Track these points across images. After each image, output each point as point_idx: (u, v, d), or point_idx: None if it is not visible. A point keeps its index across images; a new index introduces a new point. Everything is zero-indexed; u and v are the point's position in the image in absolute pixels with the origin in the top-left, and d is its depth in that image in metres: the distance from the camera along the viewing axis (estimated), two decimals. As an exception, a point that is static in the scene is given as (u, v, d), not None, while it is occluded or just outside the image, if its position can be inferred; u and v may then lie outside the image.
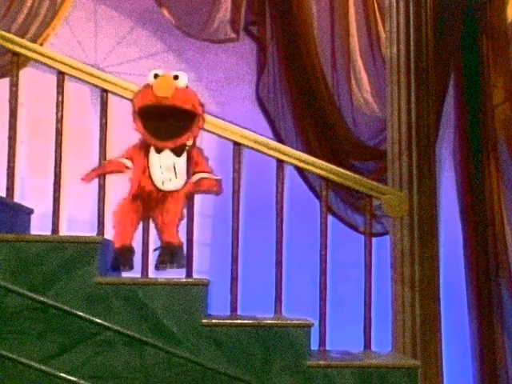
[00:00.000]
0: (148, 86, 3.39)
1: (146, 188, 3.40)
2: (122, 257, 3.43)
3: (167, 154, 3.39)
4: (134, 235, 3.46)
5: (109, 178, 3.67)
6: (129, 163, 3.42)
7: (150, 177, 3.38)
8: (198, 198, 3.71)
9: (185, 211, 3.52)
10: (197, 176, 3.43)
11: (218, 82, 5.83)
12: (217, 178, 3.45)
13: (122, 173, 3.45)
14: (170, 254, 3.42)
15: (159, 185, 3.38)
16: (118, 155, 3.51)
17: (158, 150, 3.39)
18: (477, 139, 5.72)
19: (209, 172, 3.46)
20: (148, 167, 3.39)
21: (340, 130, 5.75)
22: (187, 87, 3.41)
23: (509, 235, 5.62)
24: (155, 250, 3.47)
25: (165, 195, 3.41)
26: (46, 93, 4.10)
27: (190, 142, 3.43)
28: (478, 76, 5.74)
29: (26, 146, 4.64)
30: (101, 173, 3.54)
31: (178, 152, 3.39)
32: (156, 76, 3.37)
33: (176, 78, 3.38)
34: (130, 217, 3.45)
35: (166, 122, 3.37)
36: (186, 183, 3.42)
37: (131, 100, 3.48)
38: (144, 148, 3.43)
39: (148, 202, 3.43)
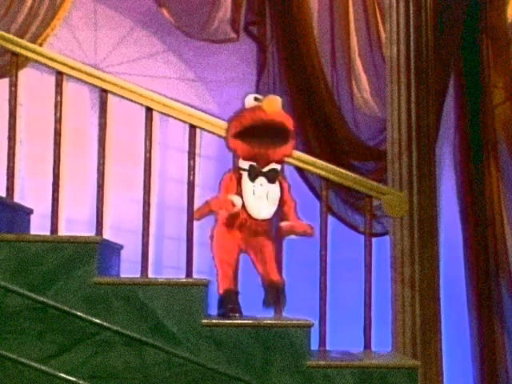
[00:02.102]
0: (254, 107, 3.40)
1: (240, 216, 3.39)
2: (230, 303, 3.42)
3: (261, 182, 3.39)
4: (236, 277, 3.45)
5: (108, 177, 3.68)
6: (238, 200, 3.37)
7: (243, 205, 3.38)
8: (197, 198, 3.71)
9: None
10: (286, 223, 3.44)
11: (218, 82, 5.83)
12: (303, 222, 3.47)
13: (228, 211, 3.40)
14: (276, 293, 3.42)
15: (254, 214, 3.39)
16: (221, 192, 3.44)
17: (252, 179, 3.39)
18: (477, 139, 5.72)
19: (295, 215, 3.46)
20: (241, 195, 3.39)
21: (340, 130, 5.75)
22: None
23: (509, 235, 5.62)
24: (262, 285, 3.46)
25: (258, 224, 3.41)
26: (45, 93, 4.09)
27: (279, 167, 3.43)
28: (478, 76, 5.74)
29: (26, 146, 4.63)
30: (208, 212, 3.46)
31: (271, 179, 3.39)
32: (257, 99, 3.40)
33: None
34: (231, 252, 3.43)
35: (263, 143, 3.38)
36: (278, 227, 3.42)
37: (229, 124, 3.47)
38: (236, 177, 3.42)
39: (242, 230, 3.42)
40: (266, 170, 3.39)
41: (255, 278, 3.52)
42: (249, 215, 3.39)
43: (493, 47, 5.71)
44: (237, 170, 3.44)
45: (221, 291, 3.43)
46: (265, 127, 3.36)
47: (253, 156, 3.38)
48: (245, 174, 3.41)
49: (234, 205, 3.37)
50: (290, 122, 3.43)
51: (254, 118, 3.38)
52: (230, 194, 3.40)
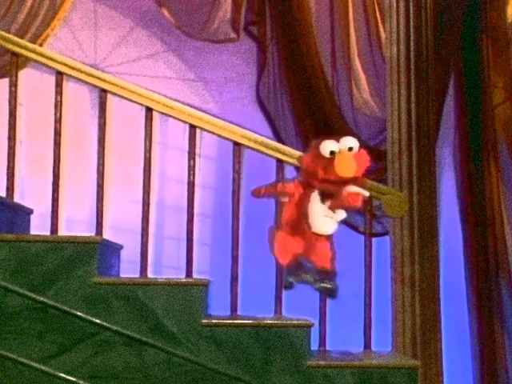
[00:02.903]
0: (325, 162, 3.30)
1: (301, 228, 3.37)
2: (295, 269, 3.32)
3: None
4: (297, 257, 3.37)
5: (108, 177, 3.68)
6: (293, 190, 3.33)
7: (307, 219, 3.36)
8: (197, 198, 3.72)
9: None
10: (346, 189, 3.40)
11: (217, 82, 5.83)
12: (362, 192, 3.41)
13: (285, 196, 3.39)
14: (325, 275, 3.38)
15: (317, 230, 3.36)
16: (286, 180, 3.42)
17: (322, 200, 3.36)
18: (477, 139, 5.72)
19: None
20: (307, 210, 3.36)
21: (340, 130, 5.74)
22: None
23: (509, 235, 5.62)
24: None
25: (319, 238, 3.38)
26: (45, 93, 4.10)
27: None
28: (478, 76, 5.74)
29: (26, 146, 4.64)
30: (271, 192, 3.36)
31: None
32: (332, 153, 3.33)
33: (350, 149, 3.35)
34: (293, 245, 3.41)
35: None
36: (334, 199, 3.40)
37: (301, 158, 3.42)
38: (307, 189, 3.39)
39: (303, 236, 3.39)
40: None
41: (255, 278, 3.52)
42: (309, 228, 3.35)
43: (493, 47, 5.71)
44: (306, 183, 3.38)
45: (285, 264, 3.30)
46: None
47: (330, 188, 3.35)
48: (315, 194, 3.37)
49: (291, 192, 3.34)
50: (364, 166, 3.27)
51: (325, 176, 3.31)
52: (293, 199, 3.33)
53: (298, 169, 3.53)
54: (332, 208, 3.35)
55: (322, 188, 3.34)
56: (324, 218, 3.31)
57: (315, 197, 3.34)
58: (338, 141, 3.29)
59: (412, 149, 5.21)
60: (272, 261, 3.71)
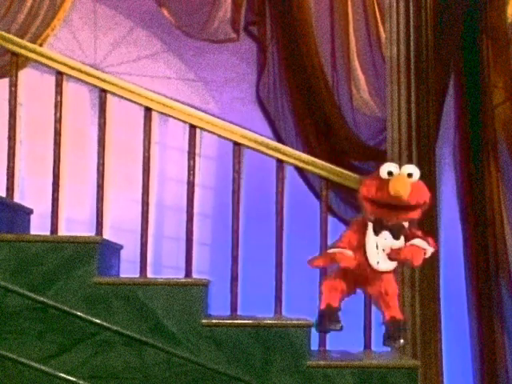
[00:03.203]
0: (382, 182, 3.26)
1: (360, 265, 3.35)
2: (329, 315, 3.31)
3: (385, 236, 3.31)
4: (341, 300, 3.36)
5: (107, 177, 3.68)
6: (353, 257, 3.29)
7: (365, 255, 3.34)
8: (197, 198, 3.72)
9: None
10: (409, 242, 3.38)
11: (217, 82, 5.83)
12: (425, 246, 3.36)
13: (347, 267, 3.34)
14: (398, 330, 3.35)
15: (374, 264, 3.34)
16: (340, 242, 3.35)
17: (376, 232, 3.34)
18: (477, 139, 5.72)
19: (421, 237, 3.35)
20: (364, 246, 3.35)
21: (340, 130, 5.75)
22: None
23: (509, 235, 5.62)
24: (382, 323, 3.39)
25: (377, 273, 3.34)
26: (45, 93, 4.10)
27: (406, 224, 3.35)
28: (478, 76, 5.74)
29: (26, 146, 4.64)
30: (328, 263, 3.34)
31: (396, 234, 3.31)
32: (390, 173, 3.30)
33: (410, 176, 3.32)
34: (340, 285, 3.36)
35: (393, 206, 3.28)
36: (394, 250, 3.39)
37: (362, 184, 3.35)
38: (362, 228, 3.34)
39: (360, 276, 3.35)
40: (391, 224, 3.31)
41: (255, 278, 3.53)
42: (369, 264, 3.35)
43: (493, 47, 5.71)
44: (364, 218, 3.36)
45: (322, 307, 3.32)
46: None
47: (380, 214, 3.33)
48: (370, 226, 3.36)
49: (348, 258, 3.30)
50: (420, 198, 3.28)
51: (379, 197, 3.29)
52: (352, 244, 3.30)
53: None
54: (391, 258, 3.34)
55: (374, 213, 3.32)
56: (375, 249, 3.30)
57: (370, 228, 3.33)
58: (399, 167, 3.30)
59: (412, 149, 5.21)
60: (272, 261, 3.73)
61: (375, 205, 3.28)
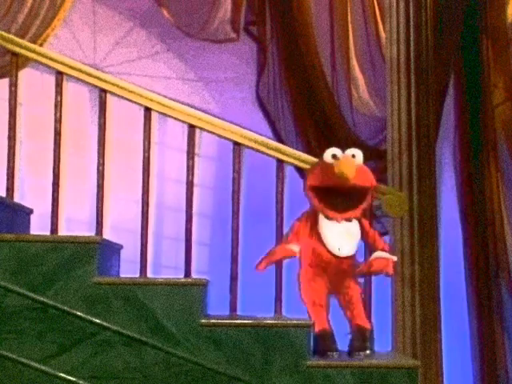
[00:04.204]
0: (327, 166, 3.35)
1: (323, 256, 3.39)
2: (325, 342, 3.42)
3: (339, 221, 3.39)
4: (328, 315, 3.45)
5: (107, 177, 3.68)
6: (296, 248, 3.39)
7: (323, 244, 3.37)
8: (196, 198, 3.72)
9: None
10: (374, 255, 3.42)
11: (217, 82, 5.83)
12: (390, 257, 3.45)
13: (290, 258, 3.43)
14: (363, 340, 3.43)
15: (335, 251, 3.37)
16: (285, 239, 3.48)
17: (329, 218, 3.38)
18: (477, 139, 5.72)
19: (384, 249, 3.46)
20: (320, 235, 3.38)
21: (340, 130, 5.75)
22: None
23: (509, 235, 5.62)
24: (348, 334, 3.47)
25: (341, 263, 3.40)
26: (45, 93, 4.10)
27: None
28: (478, 76, 5.74)
29: (26, 146, 4.64)
30: (272, 261, 3.45)
31: (348, 218, 3.40)
32: (334, 156, 3.34)
33: (353, 156, 3.36)
34: (321, 294, 3.44)
35: (341, 196, 3.35)
36: (364, 264, 3.43)
37: (306, 173, 3.47)
38: (312, 217, 3.41)
39: (327, 268, 3.42)
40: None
41: (255, 278, 3.52)
42: (332, 254, 3.38)
43: (493, 47, 5.71)
44: (312, 212, 3.42)
45: (317, 330, 3.43)
46: (339, 188, 3.33)
47: (328, 214, 3.37)
48: (321, 215, 3.39)
49: (293, 252, 3.38)
50: (366, 180, 3.37)
51: (325, 180, 3.34)
52: (302, 237, 3.39)
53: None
54: (362, 272, 3.39)
55: (321, 209, 3.35)
56: (331, 234, 3.33)
57: (321, 217, 3.36)
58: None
59: (412, 149, 5.21)
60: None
61: (321, 197, 3.32)
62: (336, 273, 3.42)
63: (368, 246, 3.51)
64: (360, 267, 3.44)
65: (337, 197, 3.35)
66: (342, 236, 3.38)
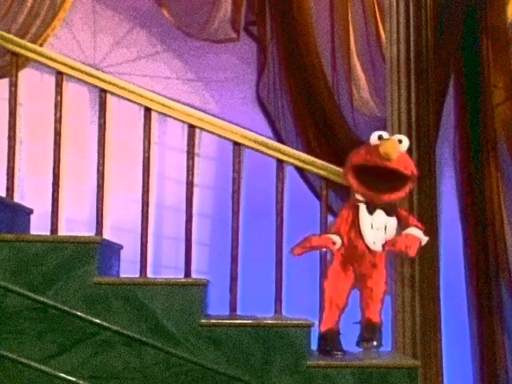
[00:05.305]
0: (371, 146, 3.36)
1: (358, 248, 3.39)
2: (330, 342, 3.44)
3: (379, 214, 3.38)
4: (340, 317, 3.46)
5: (107, 177, 3.68)
6: (337, 239, 3.38)
7: (361, 237, 3.37)
8: (196, 198, 3.72)
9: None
10: (406, 231, 3.42)
11: (218, 82, 5.83)
12: (420, 236, 3.43)
13: (329, 248, 3.43)
14: (372, 332, 3.46)
15: (371, 244, 3.38)
16: (335, 225, 3.45)
17: (370, 211, 3.38)
18: (477, 139, 5.72)
19: (417, 226, 3.44)
20: (359, 227, 3.38)
21: (340, 130, 5.75)
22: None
23: (509, 235, 5.62)
24: (355, 323, 3.49)
25: (374, 257, 3.41)
26: (45, 93, 4.10)
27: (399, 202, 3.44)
28: (478, 76, 5.74)
29: (26, 146, 4.64)
30: (309, 248, 3.44)
31: (389, 211, 3.39)
32: (380, 137, 3.35)
33: (400, 142, 3.38)
34: (343, 294, 3.45)
35: (381, 181, 3.36)
36: (389, 240, 3.42)
37: (349, 155, 3.46)
38: (354, 209, 3.41)
39: (359, 261, 3.42)
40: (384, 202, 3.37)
41: (256, 278, 3.53)
42: (366, 247, 3.39)
43: (493, 47, 5.70)
44: (354, 202, 3.42)
45: (323, 329, 3.45)
46: (380, 170, 3.34)
47: (366, 195, 3.37)
48: (362, 207, 3.39)
49: (334, 243, 3.38)
50: (408, 167, 3.38)
51: (368, 159, 3.34)
52: (344, 228, 3.39)
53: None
54: (386, 249, 3.39)
55: (362, 193, 3.35)
56: (371, 229, 3.35)
57: (363, 209, 3.37)
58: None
59: (412, 149, 5.20)
60: (272, 261, 3.73)
61: (361, 180, 3.33)
62: (366, 266, 3.43)
63: (401, 227, 3.49)
64: (384, 244, 3.40)
65: (377, 181, 3.36)
66: (380, 231, 3.39)
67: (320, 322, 3.45)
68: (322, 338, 3.44)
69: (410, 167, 3.41)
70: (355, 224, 3.39)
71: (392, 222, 3.40)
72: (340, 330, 3.47)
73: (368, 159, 3.35)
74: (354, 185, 3.39)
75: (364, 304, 3.49)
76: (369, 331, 3.46)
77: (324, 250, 3.50)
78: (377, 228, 3.38)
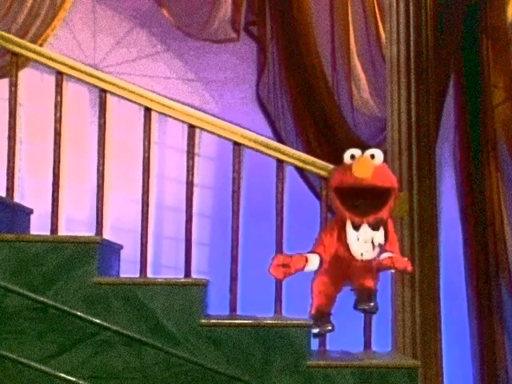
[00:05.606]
0: (346, 167, 3.35)
1: (345, 259, 3.40)
2: (319, 320, 3.45)
3: (365, 230, 3.37)
4: (331, 306, 3.49)
5: (107, 177, 3.68)
6: (315, 259, 3.38)
7: (348, 250, 3.38)
8: (196, 198, 3.72)
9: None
10: (385, 254, 3.41)
11: (217, 82, 5.83)
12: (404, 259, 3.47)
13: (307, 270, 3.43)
14: (367, 296, 3.42)
15: (358, 256, 3.38)
16: (314, 245, 3.45)
17: (356, 228, 3.38)
18: (477, 139, 5.72)
19: (397, 252, 3.46)
20: (346, 240, 3.38)
21: (340, 130, 5.75)
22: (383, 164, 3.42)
23: (509, 235, 5.62)
24: (352, 289, 3.48)
25: (362, 264, 3.40)
26: (45, 93, 4.10)
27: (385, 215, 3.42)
28: (478, 76, 5.74)
29: (26, 146, 4.64)
30: (290, 273, 3.41)
31: (375, 226, 3.38)
32: (353, 157, 3.35)
33: (372, 157, 3.37)
34: (329, 289, 3.47)
35: (363, 198, 3.34)
36: (384, 259, 3.41)
37: (328, 178, 3.49)
38: (339, 224, 3.41)
39: (346, 269, 3.43)
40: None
41: (256, 278, 3.52)
42: (354, 257, 3.39)
43: (493, 47, 5.71)
44: (339, 219, 3.42)
45: (313, 312, 3.46)
46: (359, 189, 3.33)
47: (352, 218, 3.37)
48: (348, 222, 3.39)
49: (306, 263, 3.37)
50: (385, 180, 3.37)
51: (345, 181, 3.34)
52: (328, 248, 3.39)
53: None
54: (384, 266, 3.40)
55: (345, 213, 3.35)
56: (357, 242, 3.35)
57: (348, 224, 3.37)
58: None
59: (412, 149, 5.21)
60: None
61: (344, 199, 3.33)
62: (354, 272, 3.43)
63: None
64: (381, 261, 3.40)
65: (359, 199, 3.35)
66: (367, 244, 3.38)
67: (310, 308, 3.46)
68: (313, 318, 3.45)
69: (387, 180, 3.39)
70: (341, 238, 3.39)
71: (378, 235, 3.40)
72: (330, 312, 3.48)
73: (344, 181, 3.34)
74: (340, 208, 3.39)
75: (353, 277, 3.47)
76: (364, 295, 3.42)
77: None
78: (364, 241, 3.38)
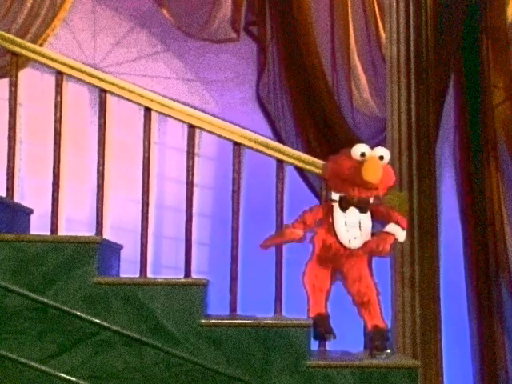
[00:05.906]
0: (355, 163, 3.34)
1: (332, 246, 3.40)
2: (321, 327, 3.45)
3: (352, 212, 3.38)
4: (327, 302, 3.48)
5: (107, 177, 3.68)
6: (300, 232, 3.40)
7: (335, 235, 3.38)
8: (196, 198, 3.72)
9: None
10: (388, 227, 3.41)
11: (218, 82, 5.83)
12: (394, 232, 3.42)
13: (297, 242, 3.44)
14: (382, 339, 3.45)
15: (345, 242, 3.39)
16: (294, 221, 3.46)
17: (343, 209, 3.39)
18: (477, 139, 5.72)
19: (398, 222, 3.43)
20: (333, 225, 3.39)
21: (340, 130, 5.75)
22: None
23: (509, 235, 5.62)
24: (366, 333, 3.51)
25: (351, 253, 3.41)
26: (45, 93, 4.10)
27: (372, 200, 3.42)
28: (478, 76, 5.74)
29: (26, 146, 4.64)
30: (277, 242, 3.50)
31: (362, 209, 3.39)
32: (363, 154, 3.35)
33: (381, 158, 3.37)
34: (322, 282, 3.46)
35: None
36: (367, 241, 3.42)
37: (327, 164, 3.49)
38: (326, 209, 3.43)
39: (335, 260, 3.43)
40: (356, 200, 3.38)
41: (255, 278, 3.52)
42: (341, 244, 3.40)
43: (493, 47, 5.71)
44: (328, 202, 3.45)
45: (312, 315, 3.45)
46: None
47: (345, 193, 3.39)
48: (336, 205, 3.40)
49: (298, 235, 3.39)
50: (389, 183, 3.40)
51: (352, 177, 3.33)
52: (308, 227, 3.40)
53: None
54: (362, 250, 3.39)
55: (339, 189, 3.36)
56: (344, 227, 3.35)
57: (336, 208, 3.37)
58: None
59: (412, 149, 5.21)
60: (272, 261, 3.73)
61: (342, 182, 3.34)
62: (344, 262, 3.43)
63: (383, 224, 3.49)
64: (366, 246, 3.41)
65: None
66: (354, 228, 3.39)
67: (308, 310, 3.46)
68: (313, 323, 3.44)
69: (390, 181, 3.42)
70: (328, 222, 3.39)
71: (366, 218, 3.40)
72: (329, 314, 3.48)
73: (350, 178, 3.34)
74: (334, 186, 3.40)
75: (364, 311, 3.48)
76: (379, 339, 3.45)
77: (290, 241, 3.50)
78: (351, 225, 3.38)
